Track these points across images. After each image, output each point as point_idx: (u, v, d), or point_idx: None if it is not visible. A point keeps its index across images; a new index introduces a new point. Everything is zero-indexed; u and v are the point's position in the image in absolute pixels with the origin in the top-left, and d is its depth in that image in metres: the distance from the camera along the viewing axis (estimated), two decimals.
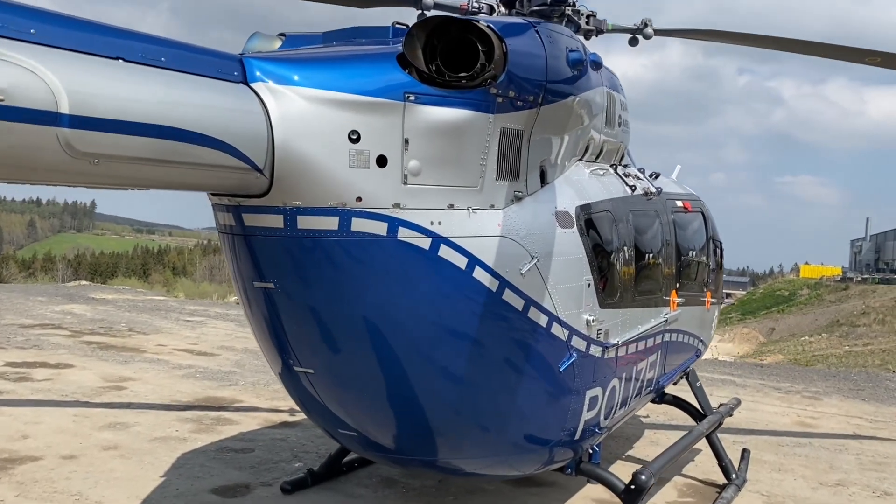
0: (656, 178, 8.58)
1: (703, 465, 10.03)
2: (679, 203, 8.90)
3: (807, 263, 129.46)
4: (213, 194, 4.83)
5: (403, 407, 5.48)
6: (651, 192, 7.90)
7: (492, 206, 5.36)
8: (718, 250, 10.29)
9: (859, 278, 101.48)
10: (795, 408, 15.12)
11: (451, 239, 5.03)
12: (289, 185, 4.52)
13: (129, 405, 11.73)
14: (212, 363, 15.85)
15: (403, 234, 4.84)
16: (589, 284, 6.24)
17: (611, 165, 7.51)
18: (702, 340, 9.98)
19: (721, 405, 10.00)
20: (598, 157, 7.27)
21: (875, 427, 13.61)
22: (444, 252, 5.02)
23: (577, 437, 6.46)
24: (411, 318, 5.05)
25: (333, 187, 4.60)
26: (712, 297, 10.07)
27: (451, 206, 5.07)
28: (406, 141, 4.76)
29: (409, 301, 5.01)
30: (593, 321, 6.21)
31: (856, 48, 7.45)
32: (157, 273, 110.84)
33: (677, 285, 8.46)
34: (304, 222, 4.65)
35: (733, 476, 9.19)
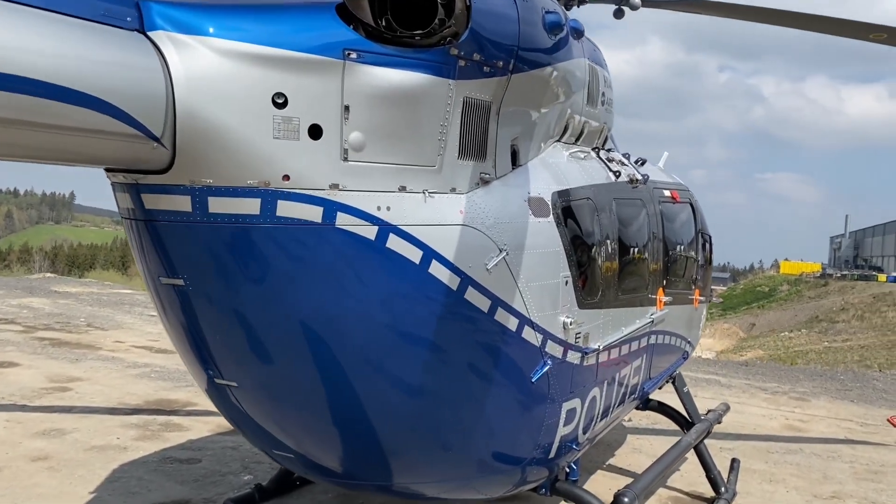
0: (642, 164, 7.81)
1: (689, 475, 9.31)
2: (667, 192, 8.14)
3: (787, 260, 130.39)
4: (109, 170, 3.97)
5: (348, 425, 4.67)
6: (637, 180, 7.13)
7: (452, 190, 4.56)
8: (707, 245, 9.56)
9: (838, 275, 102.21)
10: (783, 410, 14.50)
11: (402, 227, 4.22)
12: (196, 159, 3.68)
13: (70, 409, 10.81)
14: (170, 361, 14.92)
15: (343, 220, 4.02)
16: (567, 282, 5.46)
17: (593, 149, 6.73)
18: (689, 342, 9.25)
19: (709, 411, 9.28)
20: (578, 139, 6.49)
21: (866, 431, 13.00)
22: (394, 243, 4.20)
23: (552, 455, 5.68)
24: (353, 321, 4.23)
25: (253, 162, 3.76)
26: (700, 295, 9.34)
27: (402, 189, 4.26)
28: (346, 108, 3.93)
29: (351, 301, 4.19)
30: (571, 324, 5.43)
31: (859, 22, 6.68)
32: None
33: (664, 282, 7.71)
34: (218, 205, 3.81)
35: (722, 489, 8.48)
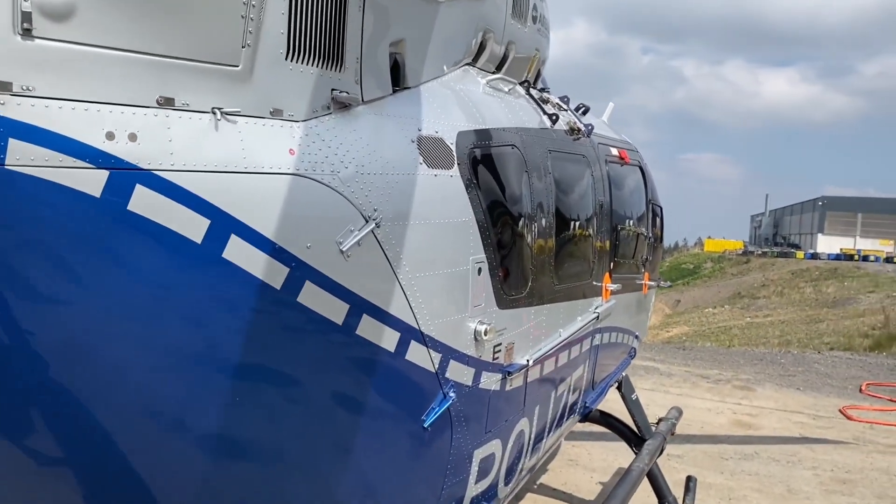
0: (584, 114, 6.01)
1: (637, 495, 7.69)
2: (614, 151, 6.38)
3: (710, 237, 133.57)
4: None
5: None
6: (578, 129, 5.31)
7: (275, 113, 2.61)
8: (658, 219, 7.89)
9: (760, 252, 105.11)
10: (729, 402, 13.21)
11: (163, 174, 2.25)
12: None
13: None
14: None
15: (26, 156, 2.03)
16: (480, 270, 3.60)
17: (522, 83, 4.86)
18: (636, 336, 7.60)
19: (660, 421, 7.65)
20: (500, 67, 4.62)
21: (820, 425, 11.79)
22: (147, 203, 2.23)
23: None
24: (80, 344, 2.25)
25: None
26: (650, 279, 7.67)
27: (166, 103, 2.29)
28: None
29: (70, 311, 2.20)
30: (488, 333, 3.58)
31: None
32: None
33: (612, 265, 5.96)
34: None
35: None
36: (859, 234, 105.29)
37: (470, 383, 3.53)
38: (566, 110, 5.42)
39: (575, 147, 5.20)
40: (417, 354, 3.15)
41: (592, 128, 5.63)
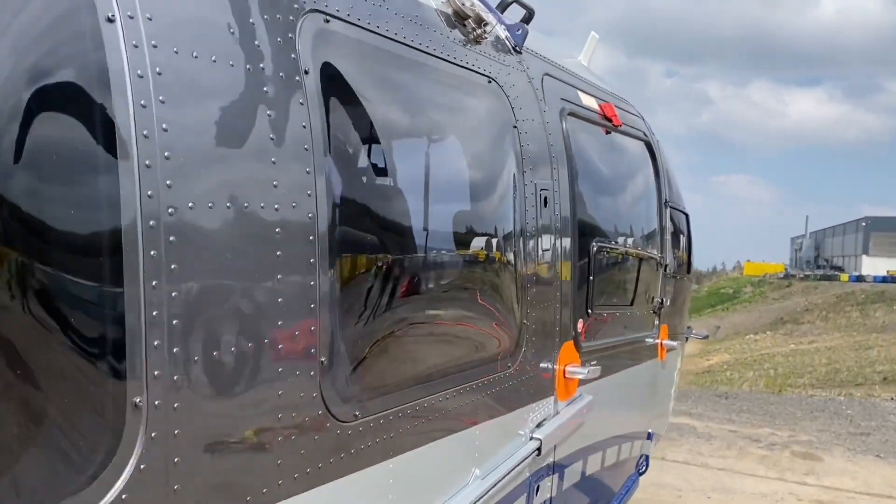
0: (527, 20, 2.98)
1: None
2: (589, 101, 3.34)
3: (749, 261, 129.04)
4: None
5: None
6: (480, 21, 2.29)
7: None
8: (683, 235, 4.80)
9: (801, 275, 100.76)
10: (790, 480, 9.90)
11: None
12: None
13: None
14: None
15: None
16: None
17: None
18: (649, 434, 4.48)
19: None
20: None
21: None
22: None
23: None
24: None
25: None
26: (670, 336, 4.54)
27: None
28: None
29: None
30: None
31: None
32: None
33: (581, 327, 2.90)
34: None
35: None
36: None
37: None
38: None
39: (463, 55, 2.19)
40: None
41: (524, 32, 2.60)
